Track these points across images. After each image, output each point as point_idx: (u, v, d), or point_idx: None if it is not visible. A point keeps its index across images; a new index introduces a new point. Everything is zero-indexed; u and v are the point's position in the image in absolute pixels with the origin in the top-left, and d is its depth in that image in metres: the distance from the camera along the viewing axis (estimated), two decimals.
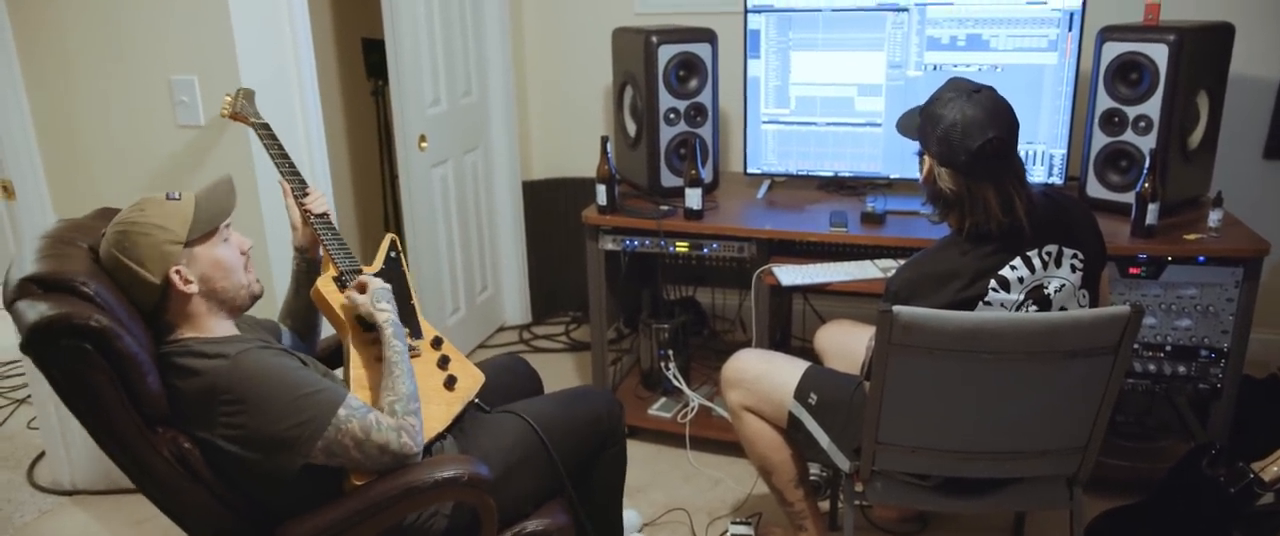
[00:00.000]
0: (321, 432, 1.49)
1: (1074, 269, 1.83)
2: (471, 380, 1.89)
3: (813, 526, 2.24)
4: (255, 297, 1.70)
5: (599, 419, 1.96)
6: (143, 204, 1.59)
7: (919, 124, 1.85)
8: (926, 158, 1.84)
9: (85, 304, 1.44)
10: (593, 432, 1.95)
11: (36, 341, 1.39)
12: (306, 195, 1.88)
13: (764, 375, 2.14)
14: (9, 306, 1.47)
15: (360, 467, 1.55)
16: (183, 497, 1.52)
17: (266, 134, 1.93)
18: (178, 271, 1.55)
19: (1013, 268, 1.77)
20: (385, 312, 1.71)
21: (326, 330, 2.00)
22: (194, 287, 1.57)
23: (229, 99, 1.98)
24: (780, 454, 2.16)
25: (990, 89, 1.78)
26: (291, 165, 1.90)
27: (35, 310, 1.40)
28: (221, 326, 1.63)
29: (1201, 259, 2.34)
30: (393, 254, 1.93)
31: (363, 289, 1.75)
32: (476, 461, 1.63)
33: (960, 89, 1.78)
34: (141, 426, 1.46)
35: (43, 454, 2.90)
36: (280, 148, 1.91)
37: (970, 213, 1.77)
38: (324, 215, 1.87)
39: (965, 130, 1.72)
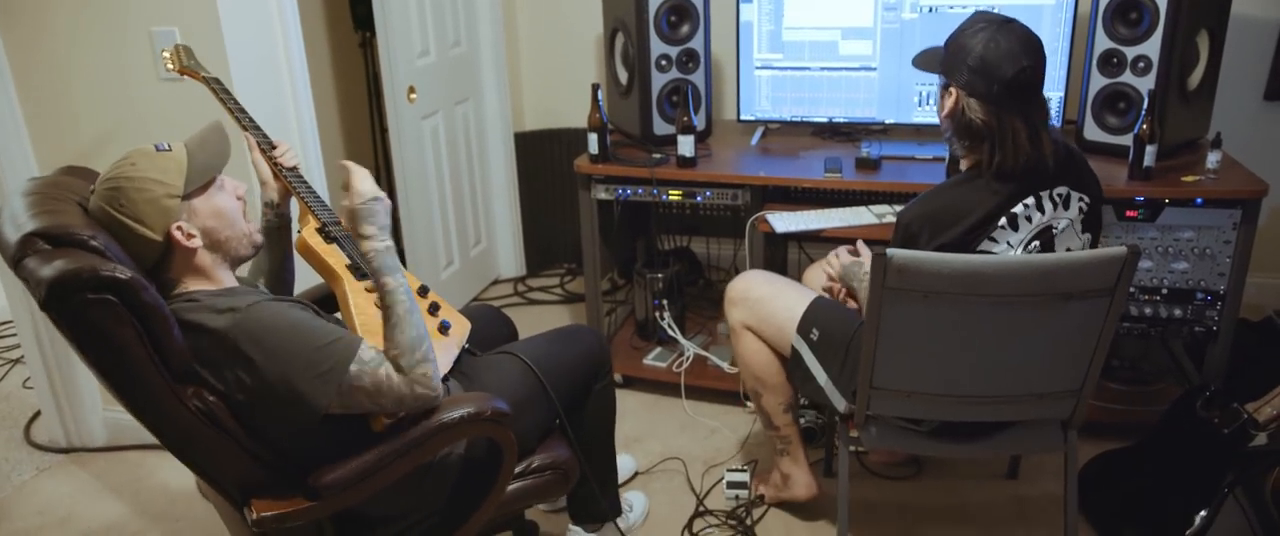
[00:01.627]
0: (335, 386, 1.46)
1: (1081, 211, 1.83)
2: (462, 325, 1.90)
3: (797, 452, 2.26)
4: (257, 246, 1.66)
5: (590, 355, 2.01)
6: (133, 157, 1.53)
7: (944, 56, 1.81)
8: (951, 91, 1.79)
9: (100, 257, 1.39)
10: (584, 368, 2.00)
11: (58, 297, 1.33)
12: (274, 148, 1.83)
13: (769, 298, 2.14)
14: (15, 264, 1.42)
15: (382, 413, 1.54)
16: (212, 451, 1.49)
17: (219, 88, 1.87)
18: (179, 227, 1.51)
19: (1025, 205, 1.76)
20: (370, 238, 1.52)
21: (304, 282, 1.98)
22: (197, 241, 1.53)
23: (169, 54, 1.93)
24: (775, 377, 2.17)
25: (1019, 21, 1.75)
26: (251, 118, 1.85)
27: (51, 266, 1.34)
28: (225, 277, 1.60)
29: (1199, 201, 2.32)
30: None
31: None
32: (494, 397, 1.64)
33: (990, 20, 1.74)
34: (169, 380, 1.43)
35: (39, 413, 2.90)
36: (236, 101, 1.86)
37: (999, 145, 1.74)
38: (294, 168, 1.84)
39: (998, 59, 1.69)
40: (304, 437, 1.52)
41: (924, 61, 1.91)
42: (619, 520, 2.20)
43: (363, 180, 1.55)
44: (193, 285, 1.56)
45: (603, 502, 2.13)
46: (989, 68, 1.70)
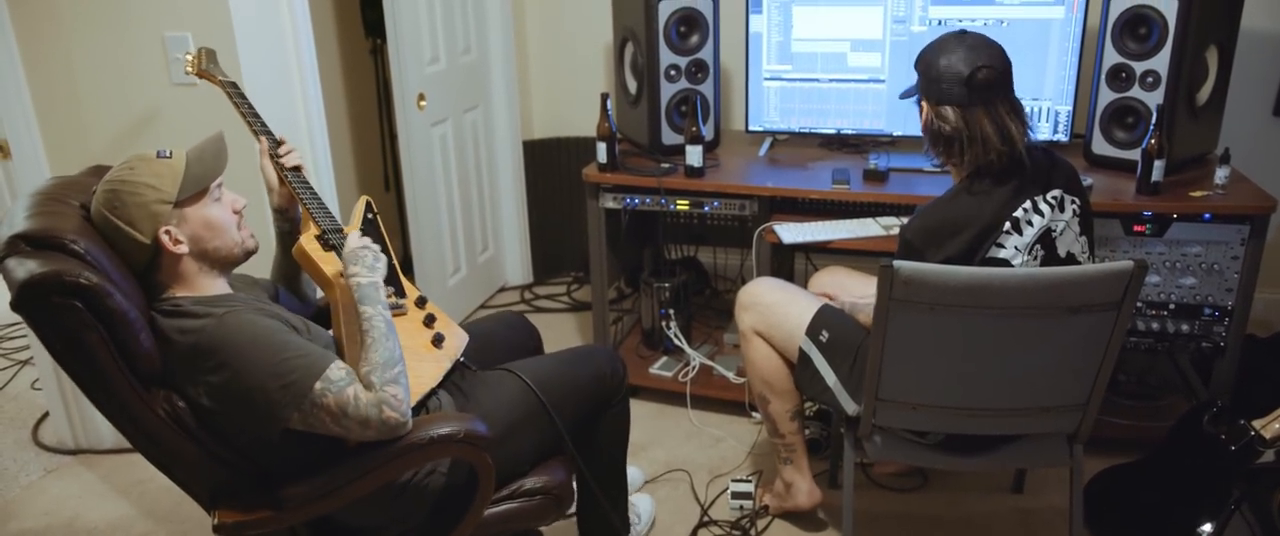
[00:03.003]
0: (297, 404, 1.45)
1: (1075, 215, 1.85)
2: (457, 338, 1.88)
3: (801, 461, 2.27)
4: (249, 253, 1.68)
5: (602, 378, 1.96)
6: (132, 162, 1.57)
7: (917, 81, 1.91)
8: (922, 105, 1.89)
9: (75, 262, 1.42)
10: (595, 391, 1.95)
11: (27, 300, 1.38)
12: (279, 147, 1.84)
13: (779, 303, 2.16)
14: None
15: (345, 437, 1.52)
16: (179, 455, 1.52)
17: (235, 92, 1.89)
18: (167, 232, 1.54)
19: (1025, 210, 1.79)
20: (356, 276, 1.62)
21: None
22: (184, 248, 1.56)
23: (191, 57, 1.95)
24: (783, 383, 2.18)
25: (974, 31, 1.86)
26: (263, 123, 1.86)
27: (24, 268, 1.38)
28: (213, 285, 1.62)
29: (1207, 216, 2.32)
30: (370, 216, 1.91)
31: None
32: (474, 418, 1.61)
33: (947, 35, 1.87)
34: (135, 385, 1.45)
35: (47, 414, 2.91)
36: (250, 105, 1.87)
37: (970, 145, 1.81)
38: (298, 169, 1.84)
39: (955, 65, 1.79)
40: (271, 447, 1.52)
41: (906, 93, 2.00)
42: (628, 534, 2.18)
43: (353, 237, 1.71)
44: (179, 291, 1.58)
45: (614, 522, 2.09)
46: (948, 74, 1.80)
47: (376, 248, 1.69)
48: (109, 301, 1.41)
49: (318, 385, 1.46)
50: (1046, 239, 1.81)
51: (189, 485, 1.57)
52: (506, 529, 1.81)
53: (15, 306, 1.39)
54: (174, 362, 1.49)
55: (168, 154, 1.58)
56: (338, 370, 1.49)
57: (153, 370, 1.48)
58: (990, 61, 1.79)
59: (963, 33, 1.85)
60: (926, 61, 1.86)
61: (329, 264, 1.74)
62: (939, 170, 2.63)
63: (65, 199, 1.59)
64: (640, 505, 2.35)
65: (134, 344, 1.45)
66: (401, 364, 1.54)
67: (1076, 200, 1.86)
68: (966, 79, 1.78)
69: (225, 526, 1.50)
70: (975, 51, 1.79)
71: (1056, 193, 1.82)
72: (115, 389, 1.44)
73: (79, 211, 1.57)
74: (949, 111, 1.81)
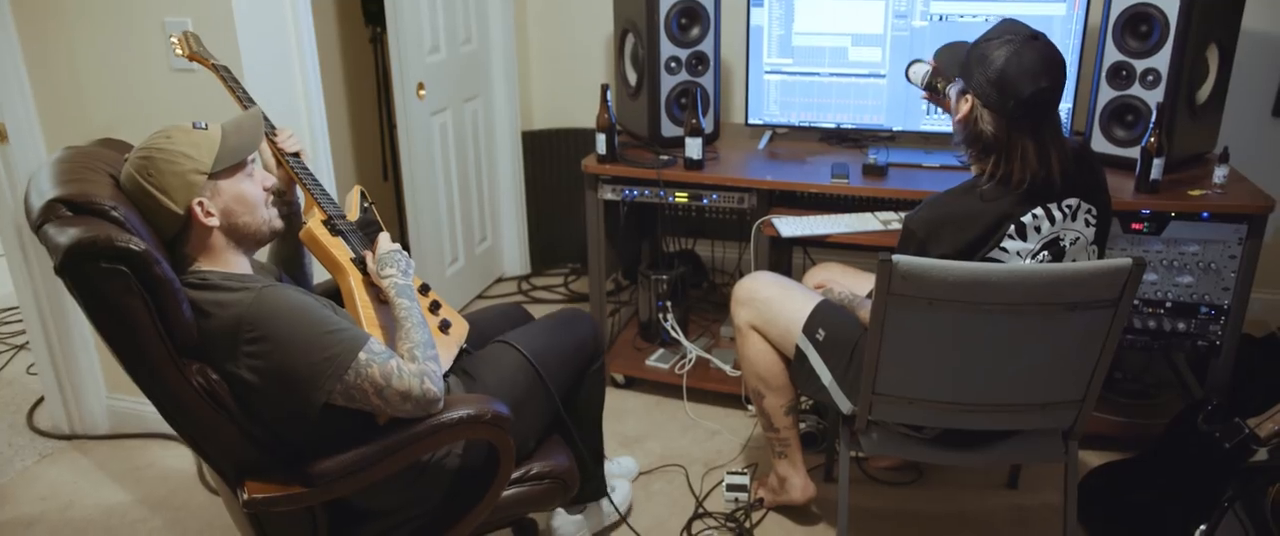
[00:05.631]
0: (341, 375, 1.47)
1: (1088, 224, 1.83)
2: (461, 326, 1.91)
3: (795, 456, 2.27)
4: (275, 233, 1.69)
5: (585, 340, 2.04)
6: (169, 131, 1.57)
7: (965, 61, 1.77)
8: (967, 97, 1.77)
9: (117, 228, 1.42)
10: (579, 355, 2.01)
11: (72, 263, 1.36)
12: (276, 134, 1.83)
13: (776, 299, 2.15)
14: (36, 229, 1.45)
15: (381, 412, 1.54)
16: (211, 430, 1.51)
17: (228, 76, 1.88)
18: (200, 202, 1.54)
19: (1034, 216, 1.76)
20: (391, 277, 1.70)
21: (320, 274, 1.98)
22: (215, 220, 1.56)
23: (177, 40, 1.93)
24: (778, 379, 2.18)
25: (1046, 37, 1.72)
26: (258, 107, 1.86)
27: (68, 233, 1.37)
28: (238, 262, 1.62)
29: (1205, 215, 2.32)
30: (366, 204, 1.91)
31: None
32: (494, 400, 1.64)
33: (1017, 32, 1.72)
34: (174, 354, 1.44)
35: (42, 399, 2.91)
36: (243, 89, 1.86)
37: (1006, 160, 1.73)
38: (297, 154, 1.84)
39: (1017, 76, 1.67)
40: (301, 424, 1.52)
41: (946, 57, 1.89)
42: (604, 499, 2.23)
43: (385, 240, 1.77)
44: (205, 265, 1.58)
45: (592, 483, 2.14)
46: (1007, 83, 1.68)
47: (406, 253, 1.77)
48: (155, 268, 1.40)
49: (362, 355, 1.49)
50: (1054, 247, 1.79)
51: (216, 460, 1.56)
52: (515, 512, 1.84)
53: (60, 270, 1.37)
54: (211, 336, 1.48)
55: (204, 126, 1.59)
56: (378, 343, 1.53)
57: (190, 341, 1.47)
58: (1052, 81, 1.68)
59: (1033, 35, 1.70)
60: (984, 53, 1.72)
61: (338, 248, 1.75)
62: (939, 167, 2.64)
63: (93, 166, 1.58)
64: (616, 483, 2.36)
65: (176, 313, 1.44)
66: (434, 348, 1.62)
67: (1093, 209, 1.82)
68: (1025, 98, 1.67)
69: (254, 501, 1.50)
70: (1041, 65, 1.67)
71: (1072, 201, 1.78)
72: (154, 357, 1.43)
73: (110, 179, 1.57)
74: (992, 118, 1.72)
